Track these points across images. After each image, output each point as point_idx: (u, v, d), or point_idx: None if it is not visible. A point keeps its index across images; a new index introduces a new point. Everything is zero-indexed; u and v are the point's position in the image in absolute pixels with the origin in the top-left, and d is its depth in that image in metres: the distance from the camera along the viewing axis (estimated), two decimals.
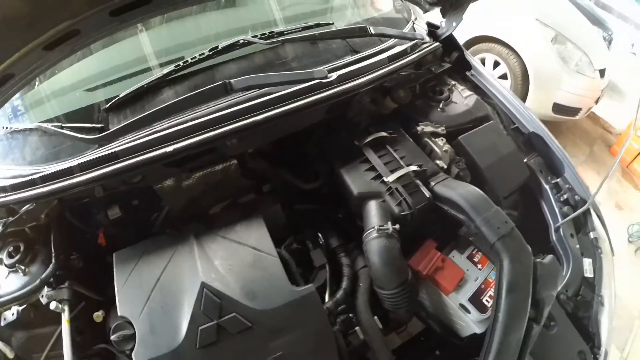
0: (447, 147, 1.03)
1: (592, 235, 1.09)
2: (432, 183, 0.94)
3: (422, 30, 1.33)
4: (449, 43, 1.32)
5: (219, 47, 0.96)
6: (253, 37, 1.00)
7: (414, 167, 0.94)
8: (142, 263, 0.81)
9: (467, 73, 1.35)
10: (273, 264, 0.78)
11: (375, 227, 0.82)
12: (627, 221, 2.42)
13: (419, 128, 1.07)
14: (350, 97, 1.00)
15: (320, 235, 0.98)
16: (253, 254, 0.79)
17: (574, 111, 2.67)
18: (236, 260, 0.78)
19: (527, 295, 0.78)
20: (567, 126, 3.17)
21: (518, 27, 2.61)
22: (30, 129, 1.00)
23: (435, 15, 1.29)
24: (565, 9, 2.90)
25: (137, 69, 1.04)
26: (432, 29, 1.30)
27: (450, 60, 1.33)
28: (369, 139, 1.01)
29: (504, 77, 2.80)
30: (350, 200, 0.94)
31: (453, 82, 1.29)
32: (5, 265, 0.92)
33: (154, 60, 1.04)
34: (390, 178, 0.91)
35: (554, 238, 1.06)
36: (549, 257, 0.85)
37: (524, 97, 2.72)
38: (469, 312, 0.85)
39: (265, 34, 1.02)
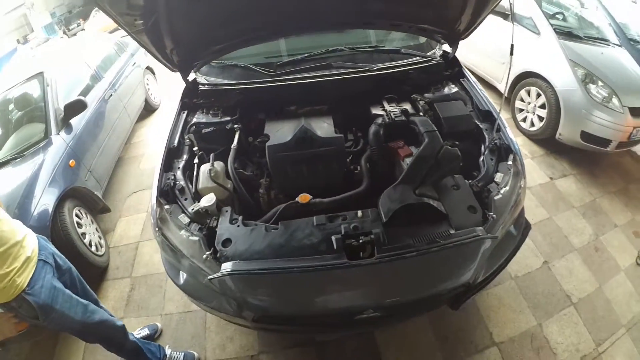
0: (424, 104, 2.07)
1: (509, 162, 1.75)
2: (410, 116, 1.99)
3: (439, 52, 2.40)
4: (453, 61, 2.36)
5: (329, 49, 2.28)
6: (345, 47, 2.30)
7: (402, 107, 2.01)
8: (278, 120, 2.03)
9: (461, 79, 2.33)
10: (330, 127, 1.92)
11: (374, 122, 1.93)
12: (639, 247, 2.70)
13: (412, 96, 2.15)
14: (382, 78, 2.16)
15: (354, 128, 2.13)
16: (325, 123, 1.96)
17: (603, 142, 3.08)
18: (318, 124, 1.94)
19: (432, 153, 1.57)
20: (609, 162, 3.47)
21: (554, 65, 3.29)
22: (236, 64, 2.29)
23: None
24: (614, 53, 3.40)
25: (293, 52, 2.39)
26: (445, 52, 2.37)
27: (452, 71, 2.36)
28: (386, 96, 2.14)
29: (543, 106, 3.43)
30: (370, 117, 2.04)
31: (449, 82, 2.30)
32: (210, 114, 2.12)
33: (299, 50, 2.38)
34: (387, 108, 2.02)
35: (480, 160, 1.90)
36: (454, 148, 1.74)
37: (556, 125, 3.31)
38: None
39: (350, 47, 2.31)
